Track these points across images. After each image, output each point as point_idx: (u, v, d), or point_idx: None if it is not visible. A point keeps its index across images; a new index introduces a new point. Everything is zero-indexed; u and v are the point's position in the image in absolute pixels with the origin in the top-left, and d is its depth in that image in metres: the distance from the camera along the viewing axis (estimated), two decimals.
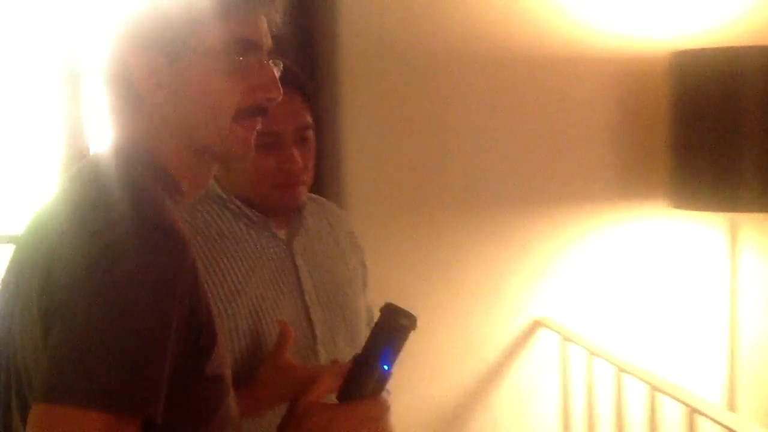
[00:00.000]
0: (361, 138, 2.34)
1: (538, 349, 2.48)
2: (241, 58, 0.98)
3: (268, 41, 1.02)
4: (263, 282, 1.39)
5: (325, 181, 2.40)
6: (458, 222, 2.42)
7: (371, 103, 2.34)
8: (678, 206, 2.36)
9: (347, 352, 1.43)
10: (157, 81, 0.96)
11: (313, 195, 1.65)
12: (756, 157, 2.20)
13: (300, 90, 1.40)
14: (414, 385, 2.39)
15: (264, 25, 1.01)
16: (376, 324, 1.14)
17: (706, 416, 1.89)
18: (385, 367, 1.11)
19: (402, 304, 1.13)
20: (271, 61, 1.03)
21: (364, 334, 1.49)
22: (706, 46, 2.35)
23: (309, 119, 1.41)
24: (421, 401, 2.42)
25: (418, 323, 1.13)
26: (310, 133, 1.41)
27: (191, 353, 0.88)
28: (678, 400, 1.97)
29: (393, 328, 1.13)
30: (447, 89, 2.38)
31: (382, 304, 1.14)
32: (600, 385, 2.30)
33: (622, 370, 2.17)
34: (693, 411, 1.92)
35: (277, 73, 1.03)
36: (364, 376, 1.11)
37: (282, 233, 1.45)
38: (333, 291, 1.48)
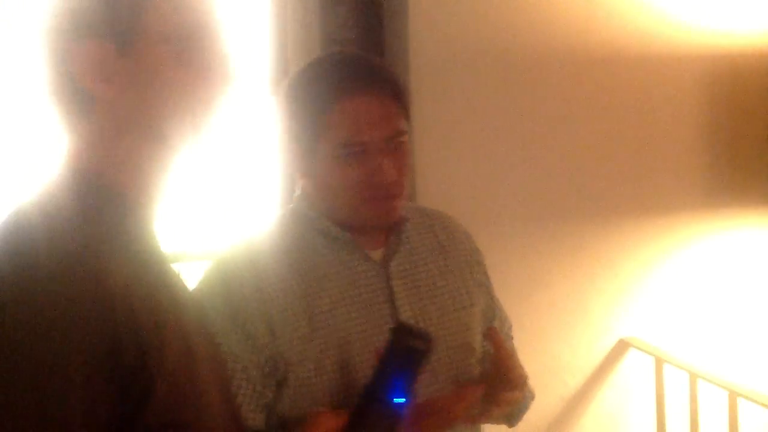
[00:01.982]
0: (432, 147, 2.16)
1: (626, 371, 2.29)
2: (196, 44, 0.87)
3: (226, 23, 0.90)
4: (353, 310, 1.25)
5: None
6: (535, 235, 2.22)
7: (442, 109, 2.16)
8: None
9: (446, 381, 1.29)
10: (105, 74, 0.85)
11: (424, 207, 1.49)
12: None
13: (393, 93, 1.24)
14: None
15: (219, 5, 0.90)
16: (386, 348, 0.98)
17: None
18: (399, 400, 0.94)
19: None
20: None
21: (473, 365, 1.35)
22: None
23: (403, 125, 1.25)
24: (497, 429, 2.25)
25: None
26: (405, 141, 1.26)
27: (121, 402, 0.78)
28: None
29: (404, 353, 0.97)
30: (523, 92, 2.20)
31: None
32: (706, 409, 2.10)
33: (737, 394, 1.98)
34: None
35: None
36: (372, 413, 0.94)
37: (377, 254, 1.31)
38: (438, 317, 1.32)
